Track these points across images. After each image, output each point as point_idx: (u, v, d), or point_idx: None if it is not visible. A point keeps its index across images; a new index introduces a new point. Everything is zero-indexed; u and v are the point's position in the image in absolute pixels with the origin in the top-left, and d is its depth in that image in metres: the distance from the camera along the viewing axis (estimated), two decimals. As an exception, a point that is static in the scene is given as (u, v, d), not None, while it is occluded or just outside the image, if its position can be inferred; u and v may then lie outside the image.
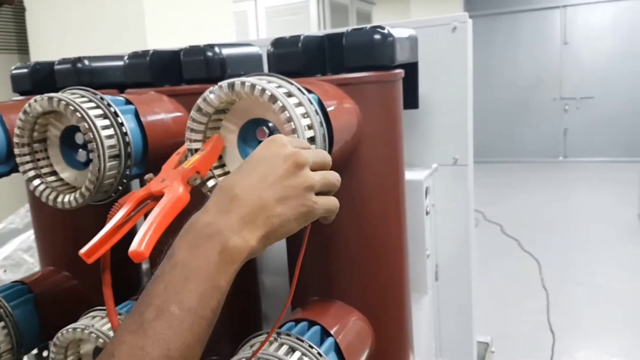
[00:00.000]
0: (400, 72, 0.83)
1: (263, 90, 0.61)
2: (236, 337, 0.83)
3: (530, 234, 4.26)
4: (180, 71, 0.91)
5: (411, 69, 0.91)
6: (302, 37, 0.81)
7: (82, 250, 0.59)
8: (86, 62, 0.98)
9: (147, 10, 2.02)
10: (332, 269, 0.84)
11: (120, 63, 1.03)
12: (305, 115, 0.63)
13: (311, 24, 3.42)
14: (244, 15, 3.38)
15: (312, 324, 0.78)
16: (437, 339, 1.10)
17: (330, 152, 0.68)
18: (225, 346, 0.89)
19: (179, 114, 0.87)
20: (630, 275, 3.55)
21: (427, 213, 1.01)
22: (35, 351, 1.13)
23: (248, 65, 0.94)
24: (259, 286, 1.07)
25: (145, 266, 1.15)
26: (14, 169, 0.91)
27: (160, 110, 0.84)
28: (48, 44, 2.32)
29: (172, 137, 0.84)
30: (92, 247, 0.58)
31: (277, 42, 0.83)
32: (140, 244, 0.55)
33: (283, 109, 0.61)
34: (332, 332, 0.76)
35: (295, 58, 0.81)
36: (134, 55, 0.92)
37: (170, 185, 0.61)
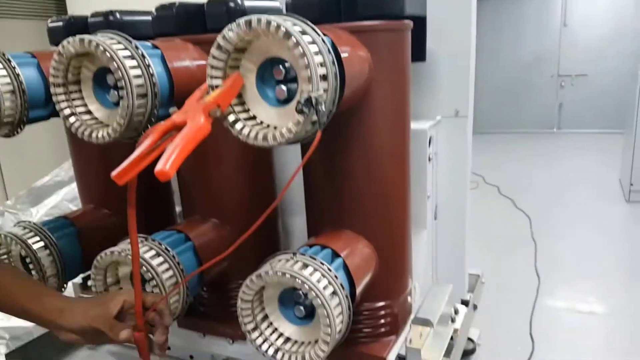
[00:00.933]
0: (409, 22, 0.80)
1: (278, 26, 0.59)
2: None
3: (524, 195, 4.28)
4: (204, 23, 0.89)
5: (420, 23, 0.88)
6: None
7: (114, 173, 0.58)
8: (117, 15, 0.96)
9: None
10: (343, 202, 0.84)
11: (149, 17, 1.01)
12: (318, 53, 0.61)
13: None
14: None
15: (323, 247, 0.78)
16: (434, 269, 1.10)
17: (342, 92, 0.66)
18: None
19: (202, 61, 0.85)
20: (608, 229, 3.59)
21: (429, 160, 0.99)
22: (80, 280, 1.15)
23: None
24: (278, 226, 1.06)
25: (178, 209, 1.15)
26: (52, 113, 0.91)
27: (186, 57, 0.82)
28: (85, 9, 2.29)
29: (196, 83, 0.82)
30: (123, 171, 0.58)
31: (294, -9, 0.80)
32: (165, 164, 0.54)
33: (297, 44, 0.59)
34: (341, 254, 0.76)
35: (312, 6, 0.78)
36: (162, 8, 0.90)
37: (193, 116, 0.60)
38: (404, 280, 0.90)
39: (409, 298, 0.94)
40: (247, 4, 0.87)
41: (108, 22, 0.95)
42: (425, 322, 0.89)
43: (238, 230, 0.95)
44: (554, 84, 7.24)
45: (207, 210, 0.96)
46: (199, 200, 0.97)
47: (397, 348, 0.87)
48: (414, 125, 0.89)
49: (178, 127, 0.61)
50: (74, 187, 1.96)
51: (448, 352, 0.98)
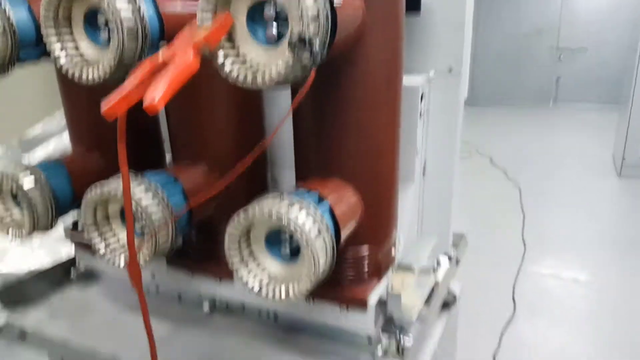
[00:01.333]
0: (401, -32, 0.80)
1: (268, -38, 0.59)
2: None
3: (516, 167, 4.31)
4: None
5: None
6: None
7: (103, 109, 0.59)
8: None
9: None
10: (331, 150, 0.85)
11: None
12: (309, -8, 0.61)
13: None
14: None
15: (310, 191, 0.80)
16: (419, 224, 1.13)
17: (333, 36, 0.66)
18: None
19: (194, 4, 0.85)
20: (598, 203, 3.63)
21: (420, 115, 1.01)
22: (71, 225, 1.17)
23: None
24: (267, 179, 1.08)
25: (168, 157, 1.16)
26: (43, 53, 0.91)
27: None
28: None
29: (185, 19, 0.83)
30: (113, 105, 0.59)
31: None
32: (153, 96, 0.55)
33: (285, -18, 0.59)
34: (327, 197, 0.78)
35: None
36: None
37: (183, 52, 0.60)
38: (388, 229, 0.93)
39: (392, 248, 0.97)
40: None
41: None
42: (407, 268, 0.92)
43: (224, 174, 0.98)
44: (552, 56, 7.17)
45: (196, 155, 0.98)
46: (188, 146, 0.99)
47: (378, 292, 0.91)
48: (406, 80, 0.90)
49: (165, 63, 0.62)
50: (64, 137, 1.97)
51: (428, 301, 1.02)
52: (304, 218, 0.72)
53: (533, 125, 6.17)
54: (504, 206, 3.57)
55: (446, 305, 1.18)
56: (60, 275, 1.20)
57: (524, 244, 3.00)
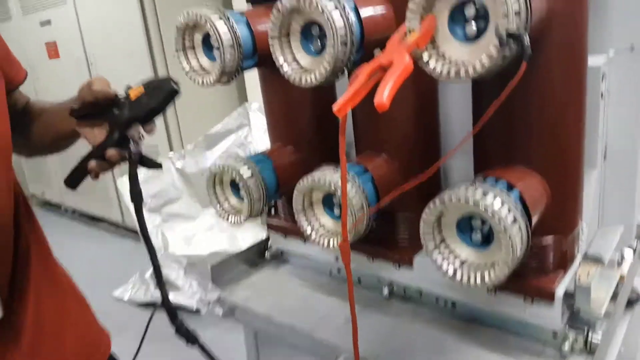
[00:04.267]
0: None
1: (478, -31, 0.65)
2: (421, 203, 0.90)
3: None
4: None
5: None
6: None
7: (335, 107, 0.70)
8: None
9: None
10: (516, 138, 0.88)
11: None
12: (514, -9, 0.66)
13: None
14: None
15: (498, 179, 0.84)
16: (600, 212, 1.10)
17: (528, 20, 0.69)
18: (413, 207, 1.00)
19: (384, 9, 0.94)
20: None
21: (601, 97, 0.98)
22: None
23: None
24: (441, 169, 1.14)
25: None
26: (257, 63, 1.08)
27: (373, 6, 0.91)
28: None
29: (380, 29, 0.92)
30: (342, 105, 0.70)
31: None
32: (382, 96, 0.65)
33: (496, -16, 0.64)
34: (516, 185, 0.82)
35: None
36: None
37: (399, 55, 0.69)
38: (574, 218, 0.93)
39: (577, 238, 0.96)
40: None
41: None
42: (597, 259, 0.91)
43: (405, 164, 1.06)
44: None
45: (378, 145, 1.07)
46: (371, 137, 1.09)
47: (565, 283, 0.91)
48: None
49: (383, 67, 0.71)
50: (240, 134, 2.25)
51: (614, 296, 0.99)
52: (499, 205, 0.76)
53: None
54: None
55: (629, 303, 1.12)
56: (256, 256, 1.39)
57: None
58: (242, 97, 2.48)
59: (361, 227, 0.96)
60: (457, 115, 1.09)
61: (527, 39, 0.63)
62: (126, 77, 2.76)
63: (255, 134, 2.19)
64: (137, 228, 1.02)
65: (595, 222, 1.09)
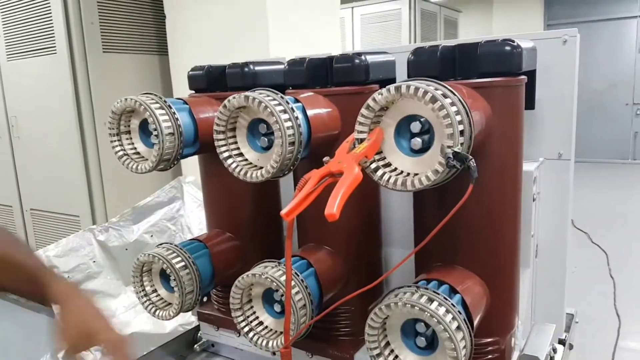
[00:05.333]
0: (524, 77, 0.88)
1: (425, 92, 0.69)
2: (362, 298, 0.91)
3: (599, 228, 4.14)
4: (327, 75, 1.01)
5: (531, 75, 0.95)
6: (440, 47, 0.88)
7: (283, 212, 0.69)
8: (251, 66, 1.10)
9: (270, 16, 2.15)
10: (456, 240, 0.91)
11: (276, 67, 1.15)
12: (457, 112, 0.70)
13: (402, 30, 3.45)
14: (342, 21, 3.48)
15: (441, 283, 0.85)
16: (533, 308, 1.14)
17: (472, 138, 0.74)
18: (355, 302, 0.99)
19: (330, 110, 0.97)
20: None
21: (534, 199, 1.05)
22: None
23: (385, 70, 1.02)
24: (382, 257, 1.15)
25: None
26: (198, 150, 1.06)
27: (320, 107, 0.94)
28: (185, 48, 2.52)
29: (326, 128, 0.95)
30: (291, 209, 0.69)
31: (418, 51, 0.90)
32: (332, 207, 0.65)
33: (442, 107, 0.68)
34: (458, 289, 0.83)
35: (433, 64, 0.87)
36: (293, 63, 1.02)
37: (349, 166, 0.70)
38: (512, 318, 0.96)
39: (514, 337, 0.99)
40: (369, 59, 0.98)
41: (244, 72, 1.09)
42: (533, 359, 0.94)
43: (348, 257, 1.06)
44: (628, 112, 7.00)
45: (320, 238, 1.07)
46: (313, 230, 1.08)
47: (504, 383, 0.93)
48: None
49: (332, 174, 0.72)
50: (172, 207, 2.17)
51: (548, 391, 1.02)
52: (444, 312, 0.77)
53: (613, 183, 5.95)
54: (592, 273, 3.41)
55: (562, 392, 1.16)
56: (183, 347, 1.30)
57: (618, 316, 2.84)
58: (177, 170, 2.43)
59: (304, 331, 0.92)
60: (398, 203, 1.12)
61: (473, 163, 0.67)
62: (51, 144, 2.65)
63: (188, 207, 2.12)
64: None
65: (529, 318, 1.12)
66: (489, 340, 0.93)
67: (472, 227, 0.90)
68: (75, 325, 0.83)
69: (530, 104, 0.99)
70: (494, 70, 0.84)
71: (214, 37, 2.36)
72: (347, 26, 3.14)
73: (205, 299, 1.29)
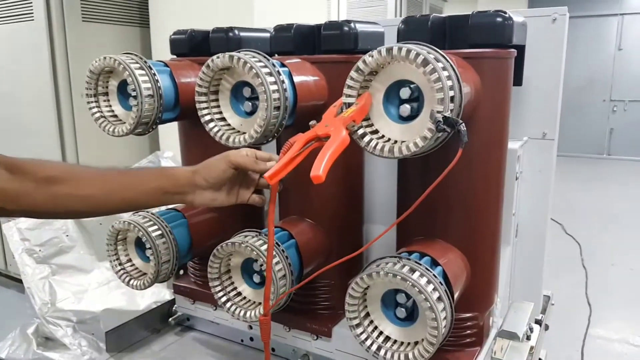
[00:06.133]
0: (514, 51, 0.87)
1: (417, 54, 0.67)
2: (342, 271, 0.92)
3: (574, 220, 4.22)
4: (314, 42, 0.98)
5: (520, 50, 0.94)
6: (431, 16, 0.86)
7: (267, 174, 0.67)
8: (236, 32, 1.06)
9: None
10: (438, 213, 0.90)
11: (261, 34, 1.12)
12: (449, 77, 0.68)
13: (388, 15, 3.42)
14: (327, 4, 3.43)
15: (423, 255, 0.84)
16: (511, 287, 1.15)
17: (461, 106, 0.73)
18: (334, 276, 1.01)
19: (317, 78, 0.94)
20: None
21: (516, 178, 1.05)
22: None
23: (374, 40, 1.00)
24: (363, 233, 1.14)
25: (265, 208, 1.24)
26: (178, 116, 1.02)
27: (307, 74, 0.91)
28: (167, 19, 2.45)
29: (313, 97, 0.92)
30: (275, 172, 0.67)
31: (408, 20, 0.88)
32: (318, 169, 0.62)
33: (433, 70, 0.67)
34: (440, 261, 0.83)
35: (424, 34, 0.86)
36: (280, 29, 0.99)
37: (336, 129, 0.68)
38: (491, 295, 0.96)
39: (492, 314, 0.99)
40: (358, 27, 0.96)
41: (228, 38, 1.05)
42: (512, 336, 0.94)
43: (329, 229, 1.04)
44: (605, 108, 7.13)
45: (302, 210, 1.05)
46: (296, 202, 1.06)
47: (482, 358, 0.93)
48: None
49: (319, 138, 0.70)
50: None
51: (525, 367, 1.02)
52: (425, 282, 0.76)
53: (588, 177, 6.09)
54: (565, 262, 3.49)
55: (537, 372, 1.17)
56: (158, 321, 1.27)
57: (589, 304, 2.91)
58: (154, 145, 2.37)
59: (282, 300, 0.90)
60: (381, 180, 1.10)
61: (463, 127, 0.65)
62: (26, 114, 2.55)
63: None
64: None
65: (507, 297, 1.13)
66: (468, 315, 0.93)
67: (454, 201, 0.89)
68: None
69: (518, 80, 0.98)
70: (484, 41, 0.83)
71: (198, 10, 2.30)
72: (333, 10, 3.10)
73: (181, 272, 1.26)
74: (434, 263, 0.84)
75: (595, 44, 7.03)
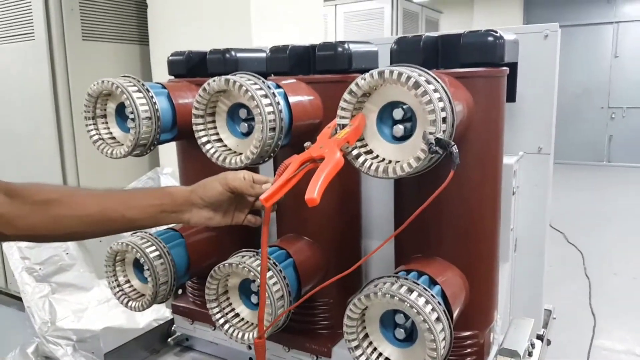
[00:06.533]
0: (506, 69, 0.87)
1: (408, 77, 0.68)
2: (341, 289, 0.92)
3: (575, 229, 4.21)
4: (309, 63, 0.99)
5: (512, 68, 0.95)
6: (423, 36, 0.87)
7: (262, 196, 0.67)
8: (233, 53, 1.07)
9: (253, 9, 2.12)
10: (435, 231, 0.90)
11: (258, 55, 1.13)
12: (440, 99, 0.69)
13: (384, 29, 3.45)
14: (325, 18, 3.47)
15: (421, 274, 0.84)
16: (511, 303, 1.14)
17: (454, 127, 0.73)
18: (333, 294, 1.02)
19: (312, 97, 0.95)
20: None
21: (513, 193, 1.05)
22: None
23: (368, 60, 1.01)
24: (362, 250, 1.14)
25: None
26: (176, 136, 1.03)
27: (302, 94, 0.92)
28: (166, 38, 2.47)
29: (308, 116, 0.93)
30: (270, 194, 0.67)
31: (401, 40, 0.89)
32: (313, 192, 0.63)
33: (424, 93, 0.67)
34: (438, 280, 0.82)
35: (416, 54, 0.86)
36: (276, 50, 1.00)
37: (330, 151, 0.69)
38: (491, 312, 0.95)
39: (492, 331, 0.98)
40: (352, 47, 0.97)
41: (225, 59, 1.06)
42: (512, 354, 0.94)
43: (327, 247, 1.04)
44: (603, 115, 7.15)
45: (300, 229, 1.05)
46: (293, 220, 1.06)
47: (482, 377, 0.92)
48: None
49: (313, 160, 0.70)
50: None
51: (526, 383, 1.02)
52: (423, 302, 0.76)
53: (588, 185, 6.08)
54: (568, 272, 3.47)
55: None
56: (157, 341, 1.27)
57: (593, 314, 2.88)
58: (154, 161, 2.37)
59: (280, 321, 0.90)
60: (378, 196, 1.10)
61: (455, 149, 0.66)
62: (27, 133, 2.56)
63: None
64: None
65: (507, 313, 1.12)
66: (468, 333, 0.92)
67: (451, 218, 0.89)
68: None
69: (511, 96, 0.98)
70: (476, 61, 0.84)
71: (196, 28, 2.32)
72: (330, 24, 3.13)
73: (180, 291, 1.26)
74: (432, 282, 0.84)
75: (592, 51, 7.07)
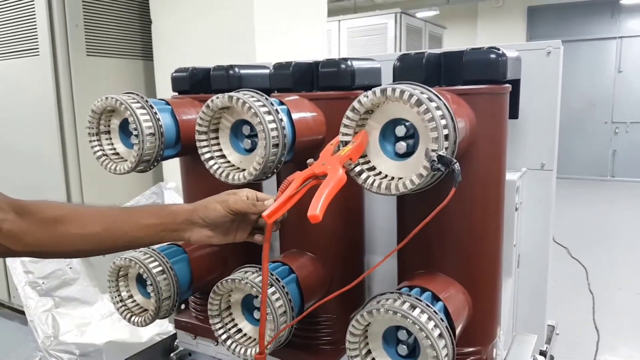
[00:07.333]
0: (508, 86, 0.88)
1: (411, 95, 0.68)
2: (344, 305, 0.92)
3: (579, 244, 4.18)
4: (313, 79, 1.00)
5: (515, 84, 0.96)
6: (425, 54, 0.88)
7: (265, 213, 0.68)
8: (237, 69, 1.08)
9: (257, 25, 2.15)
10: (439, 247, 0.90)
11: (261, 71, 1.14)
12: (442, 116, 0.70)
13: (388, 44, 3.48)
14: (328, 34, 3.50)
15: (424, 290, 0.84)
16: (514, 318, 1.14)
17: (456, 144, 0.73)
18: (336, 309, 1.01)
19: (315, 114, 0.96)
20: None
21: (516, 209, 1.05)
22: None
23: (371, 76, 1.02)
24: (364, 265, 1.13)
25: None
26: (180, 152, 1.03)
27: (305, 110, 0.92)
28: (170, 54, 2.50)
29: (311, 132, 0.93)
30: (273, 211, 0.68)
31: (403, 57, 0.90)
32: (315, 208, 0.63)
33: (427, 110, 0.68)
34: (441, 296, 0.82)
35: (419, 71, 0.87)
36: (279, 66, 1.01)
37: (333, 168, 0.69)
38: (494, 328, 0.94)
39: (495, 347, 0.98)
40: (355, 64, 0.98)
41: (229, 75, 1.07)
42: (515, 370, 0.93)
43: (330, 263, 1.04)
44: (607, 130, 7.15)
45: (303, 244, 1.05)
46: (296, 236, 1.06)
47: (485, 394, 0.91)
48: (502, 175, 0.95)
49: (316, 176, 0.70)
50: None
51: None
52: (426, 319, 0.75)
53: (592, 199, 6.07)
54: (572, 287, 3.45)
55: (544, 404, 1.14)
56: (159, 356, 1.26)
57: (597, 330, 2.86)
58: (158, 175, 2.39)
59: (282, 336, 0.90)
60: (382, 211, 1.11)
61: (457, 166, 0.66)
62: (31, 147, 2.58)
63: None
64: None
65: (510, 329, 1.12)
66: (471, 349, 0.92)
67: (454, 234, 0.89)
68: None
69: (514, 113, 0.99)
70: (478, 78, 0.84)
71: (200, 43, 2.35)
72: (334, 39, 3.15)
73: (183, 306, 1.26)
74: (435, 298, 0.83)
75: (595, 66, 7.10)
